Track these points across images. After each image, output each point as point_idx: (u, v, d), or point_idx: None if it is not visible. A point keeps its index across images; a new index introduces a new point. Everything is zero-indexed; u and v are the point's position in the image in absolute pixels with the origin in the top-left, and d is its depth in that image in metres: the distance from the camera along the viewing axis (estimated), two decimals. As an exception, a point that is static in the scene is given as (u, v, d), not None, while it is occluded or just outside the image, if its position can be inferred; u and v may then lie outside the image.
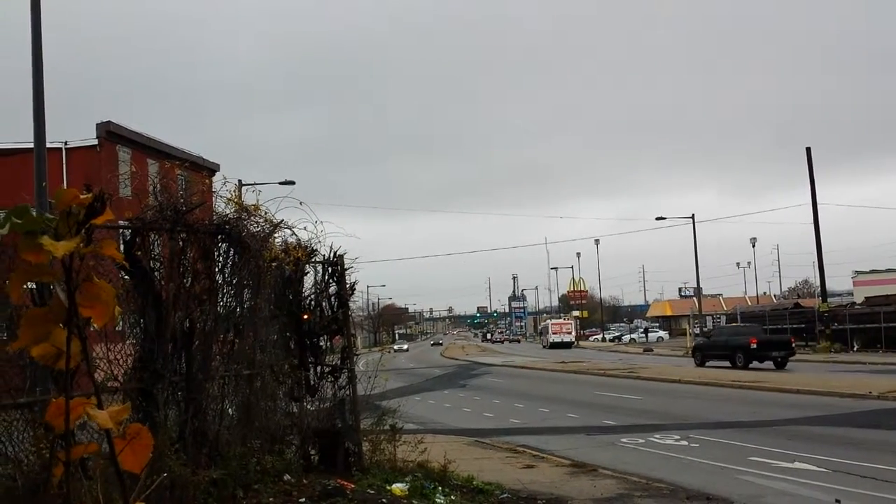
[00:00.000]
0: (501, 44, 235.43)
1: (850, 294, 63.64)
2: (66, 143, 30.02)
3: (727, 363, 36.98)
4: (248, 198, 8.82)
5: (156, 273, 7.63)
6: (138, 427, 1.38)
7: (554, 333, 78.64)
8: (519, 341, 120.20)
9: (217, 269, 8.30)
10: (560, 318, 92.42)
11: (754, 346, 36.31)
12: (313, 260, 10.28)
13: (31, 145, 11.64)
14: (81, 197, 1.26)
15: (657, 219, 59.98)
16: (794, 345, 37.96)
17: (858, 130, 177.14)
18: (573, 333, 78.45)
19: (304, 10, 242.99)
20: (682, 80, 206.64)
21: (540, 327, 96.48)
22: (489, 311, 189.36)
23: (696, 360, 40.28)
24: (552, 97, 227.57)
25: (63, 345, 1.32)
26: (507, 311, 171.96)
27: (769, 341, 37.31)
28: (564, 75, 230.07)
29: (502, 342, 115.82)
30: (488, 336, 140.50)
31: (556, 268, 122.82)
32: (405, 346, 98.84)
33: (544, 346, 77.34)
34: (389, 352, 62.70)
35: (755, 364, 35.65)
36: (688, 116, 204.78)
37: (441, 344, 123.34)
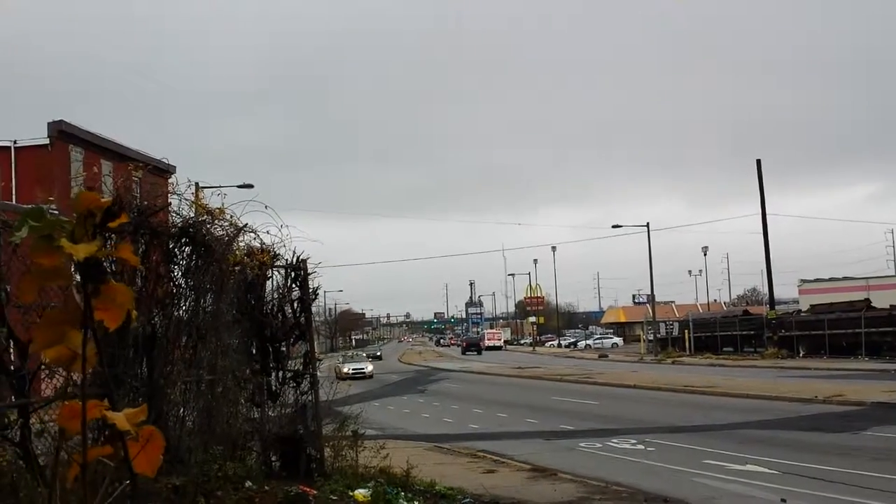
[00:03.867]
0: (471, 45, 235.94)
1: (796, 302, 65.13)
2: (14, 142, 29.16)
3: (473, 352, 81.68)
4: (213, 201, 8.72)
5: (117, 276, 7.49)
6: (151, 429, 1.38)
7: (489, 339, 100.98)
8: (479, 349, 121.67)
9: (180, 273, 8.18)
10: (493, 328, 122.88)
11: (465, 346, 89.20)
12: (276, 264, 10.19)
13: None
14: (102, 200, 1.27)
15: (613, 227, 60.90)
16: (482, 346, 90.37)
17: (813, 143, 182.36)
18: (502, 340, 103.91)
19: (268, 15, 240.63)
20: (654, 86, 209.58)
21: (479, 335, 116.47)
22: (446, 316, 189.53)
23: (462, 352, 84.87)
24: (521, 101, 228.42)
25: (78, 347, 1.32)
26: (464, 316, 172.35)
27: (472, 344, 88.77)
28: (534, 78, 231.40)
29: (449, 346, 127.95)
30: (440, 341, 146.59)
31: (513, 274, 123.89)
32: (367, 368, 46.81)
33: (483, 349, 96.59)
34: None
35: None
36: (661, 123, 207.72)
37: (380, 357, 78.74)
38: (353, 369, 43.24)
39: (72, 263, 1.34)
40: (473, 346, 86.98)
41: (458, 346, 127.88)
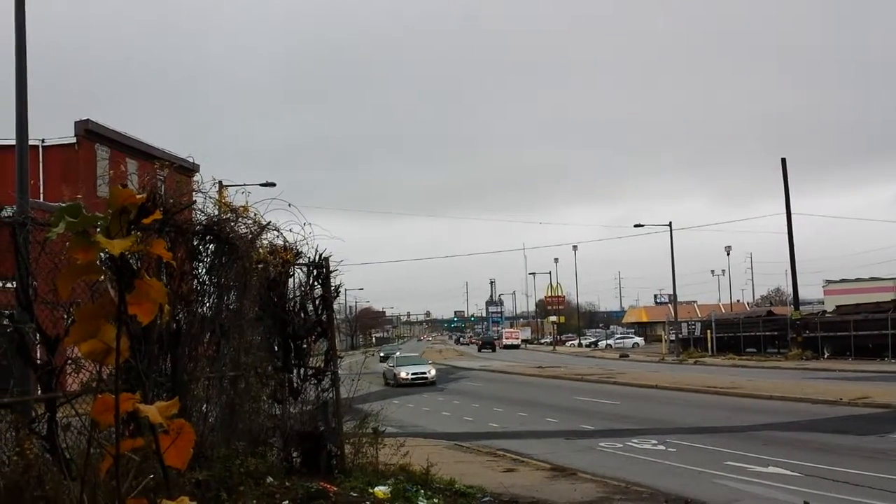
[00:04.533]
0: (494, 45, 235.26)
1: (821, 302, 64.41)
2: (42, 141, 29.52)
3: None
4: (238, 199, 8.80)
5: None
6: (181, 423, 1.41)
7: (507, 338, 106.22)
8: (493, 346, 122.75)
9: (204, 270, 8.27)
10: (512, 328, 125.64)
11: (480, 344, 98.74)
12: (299, 262, 10.26)
13: (5, 142, 11.40)
14: (137, 197, 1.30)
15: (635, 226, 60.57)
16: (496, 345, 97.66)
17: (842, 142, 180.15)
18: (519, 339, 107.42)
19: (297, 13, 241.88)
20: (679, 84, 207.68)
21: (493, 334, 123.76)
22: (466, 315, 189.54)
23: (478, 350, 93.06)
24: (545, 101, 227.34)
25: (112, 341, 1.34)
26: (484, 315, 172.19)
27: (486, 342, 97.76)
28: (560, 78, 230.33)
29: (468, 344, 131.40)
30: (460, 340, 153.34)
31: (534, 273, 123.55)
32: (429, 373, 38.19)
33: (500, 347, 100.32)
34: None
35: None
36: (684, 121, 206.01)
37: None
38: (414, 374, 34.35)
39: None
40: (488, 345, 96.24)
41: (475, 344, 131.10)
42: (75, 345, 1.35)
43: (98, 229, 1.36)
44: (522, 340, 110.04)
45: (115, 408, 1.32)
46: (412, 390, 34.83)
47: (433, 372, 36.27)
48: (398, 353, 40.46)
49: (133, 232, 1.32)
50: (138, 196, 1.29)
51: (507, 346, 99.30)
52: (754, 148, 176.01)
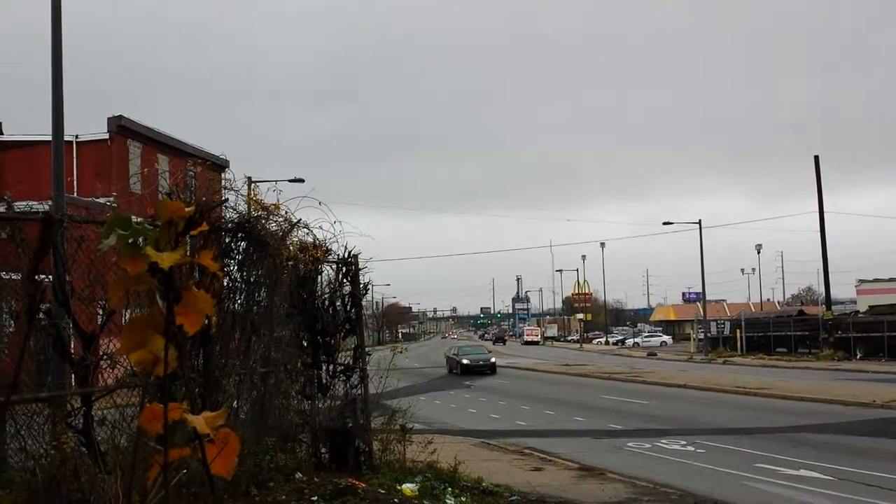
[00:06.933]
0: (526, 44, 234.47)
1: (854, 302, 63.32)
2: (76, 137, 30.00)
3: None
4: (269, 197, 8.86)
5: (175, 270, 7.67)
6: (227, 432, 1.42)
7: (527, 335, 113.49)
8: (504, 341, 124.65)
9: (235, 267, 8.35)
10: (538, 325, 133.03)
11: (494, 339, 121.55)
12: (328, 259, 10.32)
13: (42, 138, 11.65)
14: (186, 210, 1.31)
15: (664, 223, 59.94)
16: (506, 339, 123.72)
17: (878, 140, 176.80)
18: (538, 336, 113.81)
19: (328, 9, 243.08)
20: (712, 82, 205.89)
21: (518, 331, 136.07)
22: (493, 311, 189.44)
23: (492, 342, 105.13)
24: (578, 98, 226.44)
25: (160, 351, 1.36)
26: (510, 312, 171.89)
27: (499, 338, 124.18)
28: (590, 76, 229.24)
29: (488, 339, 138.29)
30: (485, 336, 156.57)
31: (561, 270, 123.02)
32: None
33: (522, 344, 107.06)
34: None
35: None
36: (719, 119, 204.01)
37: (493, 368, 46.61)
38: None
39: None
40: (500, 339, 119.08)
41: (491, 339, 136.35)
42: (126, 354, 1.37)
43: (147, 241, 1.37)
44: (548, 338, 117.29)
45: (164, 417, 1.34)
46: (439, 386, 34.85)
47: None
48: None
49: (182, 245, 1.34)
50: (187, 209, 1.31)
51: (527, 343, 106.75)
52: (790, 146, 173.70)
